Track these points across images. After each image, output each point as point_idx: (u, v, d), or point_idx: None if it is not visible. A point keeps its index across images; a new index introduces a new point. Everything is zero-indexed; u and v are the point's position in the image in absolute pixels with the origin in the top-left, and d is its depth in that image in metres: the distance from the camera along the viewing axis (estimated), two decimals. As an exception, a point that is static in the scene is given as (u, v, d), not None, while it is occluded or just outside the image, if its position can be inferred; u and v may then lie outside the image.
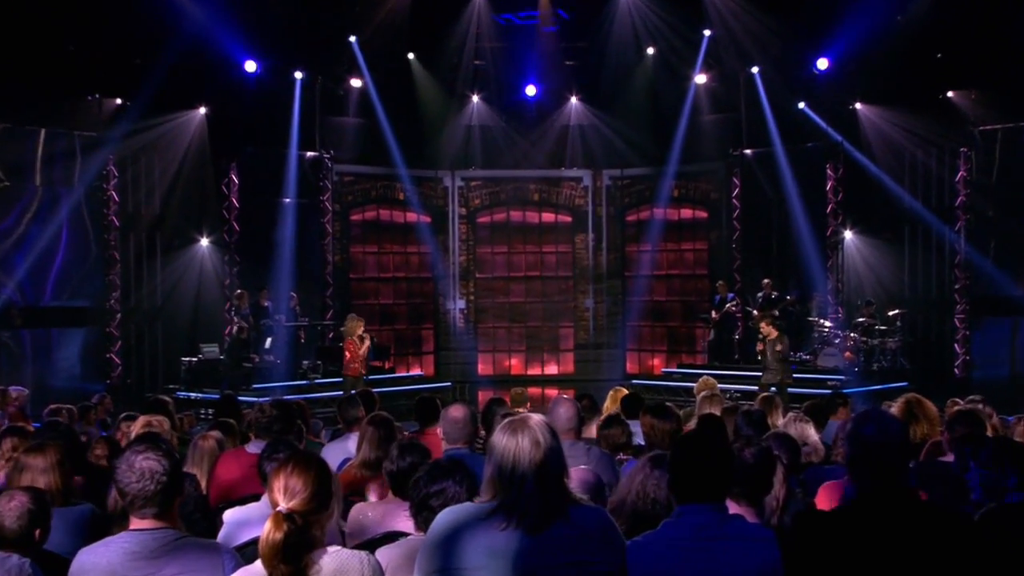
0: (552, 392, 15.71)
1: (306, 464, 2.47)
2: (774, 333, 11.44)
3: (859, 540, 2.31)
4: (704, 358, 17.07)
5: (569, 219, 19.12)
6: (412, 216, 18.38)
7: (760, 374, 11.98)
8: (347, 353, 12.27)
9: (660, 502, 3.03)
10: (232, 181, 15.60)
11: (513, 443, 2.44)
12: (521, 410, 7.41)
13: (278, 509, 2.40)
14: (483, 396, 11.91)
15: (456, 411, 4.49)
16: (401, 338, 18.10)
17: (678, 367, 16.78)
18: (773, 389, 10.56)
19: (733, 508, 2.78)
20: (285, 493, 2.42)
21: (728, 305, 15.84)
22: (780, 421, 5.39)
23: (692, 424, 6.01)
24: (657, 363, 18.40)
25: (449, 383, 16.70)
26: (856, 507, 2.36)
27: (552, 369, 19.04)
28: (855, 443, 2.39)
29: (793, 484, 3.85)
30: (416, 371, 18.02)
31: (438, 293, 18.76)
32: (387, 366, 16.69)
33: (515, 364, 19.05)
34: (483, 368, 18.77)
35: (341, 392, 12.18)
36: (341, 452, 5.29)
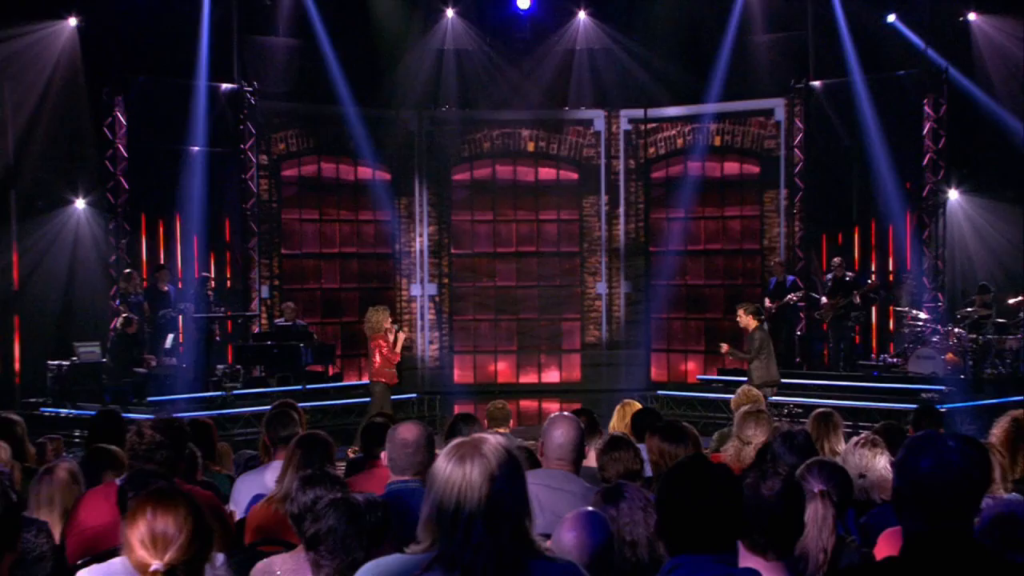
0: (553, 407, 15.76)
1: (171, 498, 2.47)
2: (753, 324, 11.69)
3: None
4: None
5: (575, 176, 19.14)
6: (365, 171, 18.39)
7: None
8: (377, 356, 12.15)
9: (640, 542, 3.04)
10: (117, 121, 15.47)
11: (459, 474, 2.45)
12: (502, 430, 7.45)
13: (153, 569, 2.37)
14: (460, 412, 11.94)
15: (408, 431, 4.50)
16: (350, 335, 18.08)
17: (719, 373, 16.81)
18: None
19: (756, 563, 2.77)
20: (155, 545, 2.40)
21: (790, 296, 15.82)
22: (840, 446, 5.40)
23: (729, 449, 6.03)
24: (691, 368, 18.51)
25: (415, 395, 16.69)
26: (900, 560, 2.35)
27: (552, 376, 19.12)
28: (904, 476, 2.41)
29: (851, 529, 3.87)
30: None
31: (400, 275, 18.79)
32: (331, 372, 16.70)
33: (503, 369, 19.14)
34: (460, 375, 18.86)
35: (369, 401, 12.57)
36: (255, 487, 5.32)
